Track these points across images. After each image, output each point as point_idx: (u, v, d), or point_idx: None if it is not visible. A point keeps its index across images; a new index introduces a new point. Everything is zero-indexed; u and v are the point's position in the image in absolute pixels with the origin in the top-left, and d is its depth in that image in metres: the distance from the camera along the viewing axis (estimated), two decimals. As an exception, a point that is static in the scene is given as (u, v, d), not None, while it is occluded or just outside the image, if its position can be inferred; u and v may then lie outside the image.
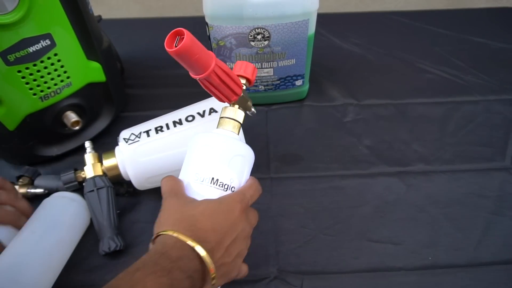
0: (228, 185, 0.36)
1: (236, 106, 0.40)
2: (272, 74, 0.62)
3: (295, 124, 0.64)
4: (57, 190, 0.49)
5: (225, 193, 0.35)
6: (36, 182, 0.51)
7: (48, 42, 0.47)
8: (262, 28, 0.54)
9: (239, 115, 0.40)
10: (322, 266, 0.45)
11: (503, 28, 0.88)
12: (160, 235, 0.30)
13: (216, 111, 0.49)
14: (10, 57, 0.44)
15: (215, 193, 0.35)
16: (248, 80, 0.41)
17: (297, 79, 0.64)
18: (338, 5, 1.03)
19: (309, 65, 0.63)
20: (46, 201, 0.46)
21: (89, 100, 0.56)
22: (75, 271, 0.44)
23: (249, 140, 0.49)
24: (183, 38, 0.32)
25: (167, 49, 0.33)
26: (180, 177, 0.37)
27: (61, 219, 0.45)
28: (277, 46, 0.57)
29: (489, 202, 0.51)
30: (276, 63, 0.60)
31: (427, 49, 0.81)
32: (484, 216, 0.50)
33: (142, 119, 0.66)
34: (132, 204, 0.52)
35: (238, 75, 0.40)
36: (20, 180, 0.51)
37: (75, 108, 0.55)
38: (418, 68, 0.76)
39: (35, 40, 0.45)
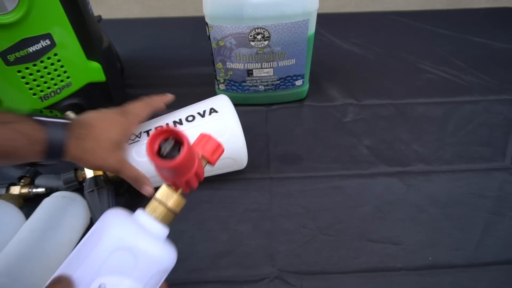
0: None
1: (180, 190, 0.32)
2: (272, 74, 0.62)
3: (295, 124, 0.64)
4: (57, 190, 0.49)
5: None
6: (37, 181, 0.51)
7: (48, 42, 0.47)
8: (262, 28, 0.54)
9: (180, 204, 0.31)
10: (322, 266, 0.45)
11: (503, 28, 0.88)
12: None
13: (216, 111, 0.49)
14: (10, 57, 0.44)
15: None
16: (208, 161, 0.33)
17: (297, 79, 0.64)
18: (338, 5, 1.03)
19: (309, 65, 0.63)
20: (46, 201, 0.46)
21: (89, 100, 0.56)
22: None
23: (249, 140, 0.49)
24: (175, 142, 0.25)
25: (151, 158, 0.26)
26: (69, 272, 0.27)
27: (61, 219, 0.45)
28: (277, 46, 0.57)
29: (489, 202, 0.51)
30: (276, 63, 0.60)
31: (427, 49, 0.81)
32: (484, 216, 0.50)
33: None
34: (132, 204, 0.51)
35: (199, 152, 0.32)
36: (22, 180, 0.51)
37: (75, 108, 0.55)
38: (418, 68, 0.76)
39: (35, 40, 0.45)
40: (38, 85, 0.48)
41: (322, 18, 0.62)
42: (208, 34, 0.56)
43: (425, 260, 0.45)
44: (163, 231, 0.30)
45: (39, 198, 0.48)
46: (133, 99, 0.70)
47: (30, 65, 0.46)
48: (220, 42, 0.56)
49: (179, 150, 0.26)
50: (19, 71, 0.46)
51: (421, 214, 0.50)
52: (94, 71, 0.55)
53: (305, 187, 0.54)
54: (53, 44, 0.47)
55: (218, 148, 0.33)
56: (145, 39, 0.88)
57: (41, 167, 0.55)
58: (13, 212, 0.45)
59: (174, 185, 0.31)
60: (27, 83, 0.47)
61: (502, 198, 0.52)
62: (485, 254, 0.46)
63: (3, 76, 0.45)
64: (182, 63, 0.78)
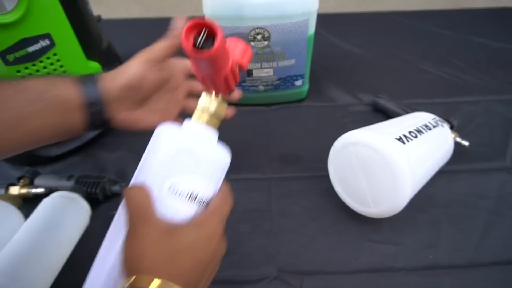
0: (204, 199, 0.31)
1: (220, 96, 0.33)
2: (272, 74, 0.62)
3: (295, 124, 0.64)
4: (56, 190, 0.49)
5: (199, 209, 0.30)
6: (36, 181, 0.51)
7: (47, 42, 0.46)
8: (262, 28, 0.54)
9: (222, 109, 0.33)
10: (322, 266, 0.45)
11: (503, 28, 0.88)
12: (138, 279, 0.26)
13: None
14: (9, 57, 0.44)
15: (191, 209, 0.30)
16: (239, 63, 0.34)
17: (297, 79, 0.64)
18: (338, 5, 1.03)
19: (309, 65, 0.63)
20: (46, 201, 0.46)
21: (88, 100, 0.56)
22: (75, 271, 0.44)
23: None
24: (208, 34, 0.26)
25: (188, 51, 0.26)
26: (142, 179, 0.30)
27: (60, 219, 0.45)
28: (277, 46, 0.57)
29: (489, 202, 0.51)
30: (276, 63, 0.60)
31: (427, 49, 0.81)
32: (484, 216, 0.50)
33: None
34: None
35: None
36: (21, 180, 0.51)
37: (74, 108, 0.55)
38: (418, 68, 0.76)
39: (34, 40, 0.45)
40: (37, 85, 0.48)
41: (322, 18, 0.62)
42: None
43: (425, 260, 0.45)
44: (214, 134, 0.32)
45: (38, 198, 0.48)
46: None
47: (29, 65, 0.46)
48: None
49: (213, 42, 0.26)
50: (18, 71, 0.46)
51: (421, 214, 0.50)
52: (94, 71, 0.55)
53: (305, 187, 0.54)
54: (52, 44, 0.47)
55: (247, 51, 0.34)
56: (145, 39, 0.87)
57: (41, 167, 0.55)
58: (12, 213, 0.45)
59: (213, 87, 0.32)
60: (26, 83, 0.47)
61: (502, 198, 0.52)
62: (485, 254, 0.46)
63: (2, 76, 0.45)
64: (182, 63, 0.78)
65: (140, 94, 0.36)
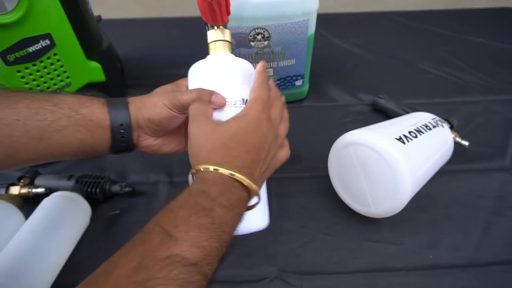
0: (247, 100, 0.37)
1: (221, 27, 0.40)
2: (272, 74, 0.62)
3: (295, 124, 0.64)
4: (57, 190, 0.49)
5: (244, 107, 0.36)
6: (37, 181, 0.51)
7: (47, 42, 0.47)
8: (262, 28, 0.54)
9: (228, 35, 0.40)
10: (322, 266, 0.45)
11: (503, 28, 0.88)
12: (198, 169, 0.30)
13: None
14: (9, 57, 0.44)
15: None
16: None
17: (297, 79, 0.64)
18: (338, 5, 1.03)
19: (309, 65, 0.63)
20: (46, 201, 0.46)
21: (89, 100, 0.56)
22: (75, 271, 0.44)
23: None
24: None
25: None
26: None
27: (60, 219, 0.45)
28: (277, 46, 0.57)
29: (489, 202, 0.51)
30: (276, 63, 0.60)
31: (427, 49, 0.81)
32: (484, 216, 0.50)
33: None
34: (132, 204, 0.52)
35: None
36: (22, 180, 0.51)
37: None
38: (418, 68, 0.76)
39: (34, 40, 0.45)
40: (37, 85, 0.48)
41: (322, 18, 0.62)
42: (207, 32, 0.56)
43: (425, 260, 0.45)
44: (231, 54, 0.40)
45: (38, 198, 0.48)
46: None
47: (29, 65, 0.46)
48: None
49: None
50: (18, 71, 0.46)
51: (421, 214, 0.50)
52: (94, 71, 0.55)
53: (305, 187, 0.54)
54: (52, 44, 0.47)
55: None
56: (145, 39, 0.88)
57: (40, 167, 0.55)
58: (12, 212, 0.45)
59: (213, 22, 0.39)
60: (26, 83, 0.47)
61: (502, 198, 0.52)
62: (485, 254, 0.46)
63: (2, 76, 0.45)
64: (182, 63, 0.77)
65: (163, 130, 0.38)
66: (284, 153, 0.38)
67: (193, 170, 0.30)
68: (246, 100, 0.37)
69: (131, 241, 0.24)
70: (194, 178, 0.30)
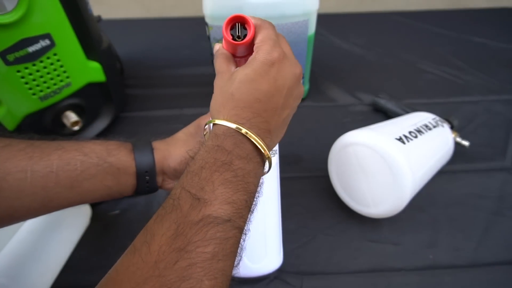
0: None
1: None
2: (272, 74, 0.61)
3: (295, 124, 0.64)
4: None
5: None
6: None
7: (47, 42, 0.46)
8: (262, 28, 0.54)
9: None
10: (322, 266, 0.45)
11: (503, 28, 0.88)
12: (212, 124, 0.29)
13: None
14: (9, 57, 0.44)
15: None
16: None
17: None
18: (338, 5, 1.03)
19: (309, 65, 0.63)
20: (46, 201, 0.46)
21: (88, 100, 0.56)
22: (75, 271, 0.44)
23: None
24: (242, 24, 0.31)
25: (228, 39, 0.30)
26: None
27: (61, 219, 0.45)
28: (277, 46, 0.57)
29: (489, 202, 0.51)
30: (276, 63, 0.60)
31: (427, 49, 0.81)
32: (484, 216, 0.50)
33: (142, 119, 0.66)
34: (132, 204, 0.52)
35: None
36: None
37: (74, 108, 0.55)
38: (418, 68, 0.76)
39: (34, 40, 0.45)
40: (37, 85, 0.48)
41: (322, 18, 0.62)
42: (208, 34, 0.56)
43: (425, 260, 0.45)
44: None
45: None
46: (133, 99, 0.70)
47: (29, 65, 0.46)
48: (220, 42, 0.56)
49: (245, 29, 0.31)
50: (18, 71, 0.46)
51: (421, 214, 0.50)
52: (94, 71, 0.55)
53: (305, 187, 0.54)
54: (52, 44, 0.47)
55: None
56: (145, 39, 0.88)
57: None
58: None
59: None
60: (26, 83, 0.47)
61: (503, 198, 0.52)
62: (485, 254, 0.46)
63: (2, 76, 0.45)
64: (182, 63, 0.78)
65: None
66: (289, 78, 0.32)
67: (207, 125, 0.30)
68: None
69: (162, 208, 0.25)
70: (205, 133, 0.31)
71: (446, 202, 0.51)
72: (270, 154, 0.34)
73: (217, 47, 0.33)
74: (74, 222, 0.46)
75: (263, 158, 0.29)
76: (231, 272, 0.25)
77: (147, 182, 0.37)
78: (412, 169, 0.42)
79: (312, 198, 0.52)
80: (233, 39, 0.31)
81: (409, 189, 0.42)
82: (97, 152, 0.35)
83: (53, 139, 0.34)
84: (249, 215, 0.27)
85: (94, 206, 0.50)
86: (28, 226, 0.43)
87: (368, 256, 0.46)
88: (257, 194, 0.29)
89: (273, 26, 0.32)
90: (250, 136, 0.27)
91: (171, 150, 0.38)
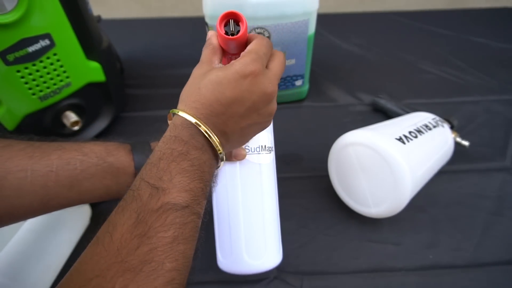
0: (265, 146, 0.39)
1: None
2: (272, 74, 0.61)
3: (295, 124, 0.64)
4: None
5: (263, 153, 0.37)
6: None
7: (47, 42, 0.46)
8: (262, 28, 0.54)
9: None
10: (322, 266, 0.45)
11: (503, 28, 0.88)
12: (174, 114, 0.30)
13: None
14: (9, 57, 0.44)
15: None
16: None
17: (297, 79, 0.64)
18: (338, 5, 1.03)
19: (309, 65, 0.63)
20: (46, 201, 0.46)
21: (88, 100, 0.56)
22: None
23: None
24: (235, 21, 0.32)
25: (221, 34, 0.31)
26: None
27: (61, 219, 0.45)
28: (277, 46, 0.57)
29: (489, 202, 0.51)
30: (276, 63, 0.60)
31: (427, 49, 0.81)
32: (484, 216, 0.50)
33: (142, 119, 0.66)
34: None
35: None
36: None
37: (74, 108, 0.55)
38: (418, 68, 0.76)
39: (34, 40, 0.45)
40: (37, 85, 0.48)
41: (322, 18, 0.62)
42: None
43: (425, 260, 0.45)
44: None
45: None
46: (133, 99, 0.70)
47: (29, 65, 0.46)
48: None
49: (238, 25, 0.32)
50: (18, 71, 0.46)
51: (421, 214, 0.50)
52: (94, 71, 0.55)
53: (305, 187, 0.54)
54: (52, 44, 0.47)
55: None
56: (145, 39, 0.88)
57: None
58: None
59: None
60: (26, 83, 0.47)
61: (502, 198, 0.52)
62: (485, 254, 0.46)
63: (2, 76, 0.45)
64: (182, 63, 0.78)
65: None
66: (272, 108, 0.33)
67: (171, 112, 0.30)
68: (265, 146, 0.38)
69: (123, 200, 0.26)
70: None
71: (446, 202, 0.51)
72: (266, 151, 0.34)
73: (209, 34, 0.34)
74: (74, 222, 0.46)
75: (215, 152, 0.30)
76: (192, 254, 0.26)
77: None
78: (412, 169, 0.42)
79: (312, 198, 0.52)
80: (226, 35, 0.32)
81: (409, 189, 0.42)
82: (97, 152, 0.35)
83: (53, 140, 0.35)
84: (205, 203, 0.28)
85: (94, 206, 0.50)
86: (28, 226, 0.43)
87: (368, 256, 0.46)
88: (212, 184, 0.30)
89: (267, 43, 0.32)
90: (203, 129, 0.28)
91: None
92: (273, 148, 0.42)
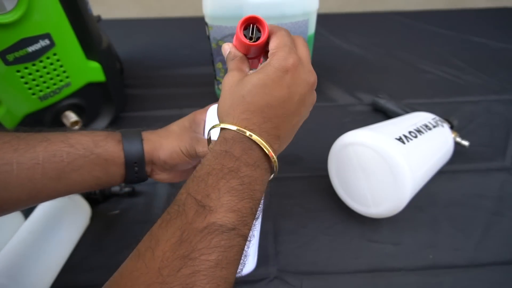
0: None
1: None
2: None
3: (295, 124, 0.64)
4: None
5: None
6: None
7: (47, 42, 0.46)
8: (262, 28, 0.54)
9: None
10: (322, 266, 0.45)
11: (503, 28, 0.88)
12: (220, 128, 0.29)
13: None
14: (9, 57, 0.44)
15: None
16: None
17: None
18: (338, 5, 1.03)
19: (309, 65, 0.63)
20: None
21: (88, 100, 0.56)
22: (75, 271, 0.44)
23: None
24: (257, 26, 0.30)
25: (242, 39, 0.30)
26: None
27: (60, 219, 0.45)
28: (277, 46, 0.57)
29: (489, 202, 0.51)
30: (276, 63, 0.60)
31: (427, 49, 0.81)
32: (484, 216, 0.50)
33: (142, 119, 0.66)
34: (132, 204, 0.52)
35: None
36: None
37: (74, 108, 0.55)
38: (418, 68, 0.76)
39: (34, 40, 0.45)
40: (37, 85, 0.48)
41: (322, 18, 0.62)
42: (208, 34, 0.56)
43: (425, 260, 0.45)
44: None
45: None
46: (133, 99, 0.70)
47: (29, 65, 0.46)
48: (219, 42, 0.56)
49: (259, 31, 0.31)
50: (18, 71, 0.46)
51: (421, 214, 0.50)
52: (94, 71, 0.55)
53: (305, 187, 0.54)
54: (52, 44, 0.47)
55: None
56: (145, 39, 0.88)
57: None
58: (12, 213, 0.45)
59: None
60: (26, 83, 0.47)
61: (502, 198, 0.52)
62: (485, 254, 0.46)
63: (2, 76, 0.45)
64: (182, 63, 0.78)
65: (178, 170, 0.39)
66: (304, 85, 0.31)
67: (215, 127, 0.29)
68: None
69: (167, 213, 0.25)
70: (211, 136, 0.31)
71: (446, 202, 0.51)
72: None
73: (227, 47, 0.32)
74: (74, 222, 0.46)
75: (270, 165, 0.28)
76: (234, 279, 0.25)
77: (136, 172, 0.37)
78: (412, 169, 0.42)
79: (312, 198, 0.52)
80: (246, 38, 0.31)
81: (409, 189, 0.42)
82: (84, 143, 0.34)
83: (39, 131, 0.34)
84: (253, 222, 0.27)
85: (94, 206, 0.50)
86: (28, 226, 0.43)
87: (368, 256, 0.46)
88: (261, 201, 0.29)
89: (287, 32, 0.31)
90: (260, 142, 0.27)
91: (163, 142, 0.38)
92: None
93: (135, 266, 0.22)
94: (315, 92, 0.32)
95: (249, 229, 0.26)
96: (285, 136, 0.30)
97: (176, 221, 0.24)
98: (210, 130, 0.30)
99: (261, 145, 0.27)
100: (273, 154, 0.27)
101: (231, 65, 0.31)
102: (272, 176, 0.30)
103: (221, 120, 0.29)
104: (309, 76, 0.30)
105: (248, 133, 0.27)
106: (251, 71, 0.31)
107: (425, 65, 0.76)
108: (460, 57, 0.78)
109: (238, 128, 0.27)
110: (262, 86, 0.28)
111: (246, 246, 0.26)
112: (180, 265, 0.22)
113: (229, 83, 0.30)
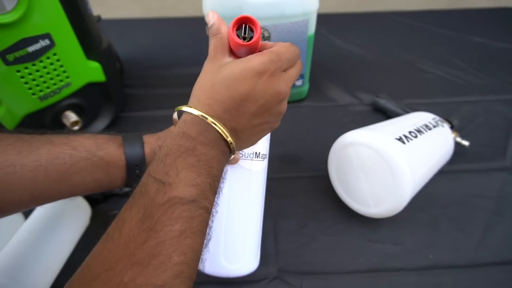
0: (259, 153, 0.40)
1: None
2: (272, 74, 0.61)
3: (295, 124, 0.64)
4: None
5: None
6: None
7: (47, 42, 0.46)
8: (262, 28, 0.54)
9: None
10: (322, 266, 0.45)
11: (503, 28, 0.88)
12: (182, 111, 0.30)
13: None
14: (9, 56, 0.44)
15: None
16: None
17: (297, 79, 0.64)
18: (338, 5, 1.03)
19: (309, 65, 0.63)
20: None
21: (88, 100, 0.56)
22: (75, 271, 0.44)
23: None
24: (249, 26, 0.31)
25: (235, 39, 0.30)
26: None
27: (60, 219, 0.45)
28: (277, 46, 0.57)
29: (489, 202, 0.51)
30: (276, 63, 0.60)
31: (427, 49, 0.81)
32: (484, 216, 0.50)
33: (142, 119, 0.66)
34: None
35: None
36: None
37: (74, 108, 0.55)
38: (418, 68, 0.76)
39: (34, 40, 0.45)
40: (37, 85, 0.48)
41: (322, 18, 0.62)
42: (208, 34, 0.56)
43: (425, 260, 0.45)
44: None
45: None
46: (133, 99, 0.70)
47: (29, 65, 0.46)
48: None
49: (251, 30, 0.31)
50: (18, 71, 0.46)
51: (421, 214, 0.50)
52: (94, 71, 0.55)
53: (305, 187, 0.54)
54: (52, 44, 0.47)
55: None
56: (145, 39, 0.88)
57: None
58: (12, 212, 0.45)
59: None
60: (26, 83, 0.47)
61: (502, 198, 0.52)
62: (485, 254, 0.46)
63: (2, 76, 0.45)
64: (182, 63, 0.78)
65: None
66: (282, 108, 0.33)
67: (177, 109, 0.30)
68: (259, 153, 0.38)
69: (131, 197, 0.26)
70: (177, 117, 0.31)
71: (446, 202, 0.51)
72: (259, 158, 0.35)
73: (211, 18, 0.33)
74: (74, 222, 0.46)
75: (227, 147, 0.30)
76: (201, 249, 0.26)
77: (137, 175, 0.37)
78: (412, 169, 0.42)
79: (312, 198, 0.52)
80: (239, 38, 0.31)
81: (409, 189, 0.42)
82: (86, 146, 0.35)
83: (43, 133, 0.35)
84: (215, 198, 0.28)
85: (94, 206, 0.50)
86: (28, 226, 0.43)
87: (368, 256, 0.46)
88: (221, 179, 0.30)
89: (295, 50, 0.32)
90: (215, 125, 0.28)
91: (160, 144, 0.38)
92: (267, 156, 0.42)
93: (104, 246, 0.24)
94: (285, 104, 0.33)
95: (211, 203, 0.27)
96: (243, 132, 0.30)
97: (140, 201, 0.25)
98: (175, 111, 0.31)
99: (216, 127, 0.28)
100: (227, 134, 0.29)
101: (211, 46, 0.32)
102: (231, 156, 0.31)
103: (189, 101, 0.30)
104: (281, 87, 0.31)
105: (201, 114, 0.28)
106: (230, 59, 0.32)
107: (425, 65, 0.76)
108: (460, 57, 0.78)
109: (196, 110, 0.28)
110: (232, 79, 0.29)
111: (210, 220, 0.27)
112: (145, 237, 0.23)
113: (206, 69, 0.31)
